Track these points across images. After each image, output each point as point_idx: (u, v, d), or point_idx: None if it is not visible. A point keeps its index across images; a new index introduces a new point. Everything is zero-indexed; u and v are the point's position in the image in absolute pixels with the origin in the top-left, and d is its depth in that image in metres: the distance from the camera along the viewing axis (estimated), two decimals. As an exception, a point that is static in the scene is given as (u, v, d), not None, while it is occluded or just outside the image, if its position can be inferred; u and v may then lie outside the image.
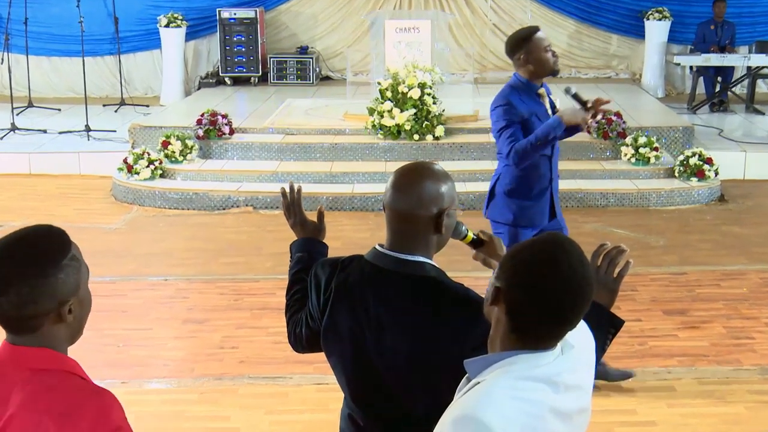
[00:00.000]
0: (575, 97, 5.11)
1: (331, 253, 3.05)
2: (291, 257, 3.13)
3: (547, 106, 5.30)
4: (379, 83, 10.64)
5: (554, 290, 2.05)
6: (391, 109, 10.37)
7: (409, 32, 11.25)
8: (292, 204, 3.16)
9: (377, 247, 2.69)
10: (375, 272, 2.66)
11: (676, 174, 10.08)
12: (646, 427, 5.20)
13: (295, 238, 3.17)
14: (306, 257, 3.06)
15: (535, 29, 5.26)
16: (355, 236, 8.20)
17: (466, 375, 2.17)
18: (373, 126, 10.51)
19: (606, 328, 2.49)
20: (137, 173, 9.95)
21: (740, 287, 7.34)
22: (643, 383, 5.67)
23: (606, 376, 5.55)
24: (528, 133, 5.08)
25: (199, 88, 14.39)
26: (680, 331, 6.55)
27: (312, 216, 3.18)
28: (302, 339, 2.92)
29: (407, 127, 10.34)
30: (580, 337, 2.24)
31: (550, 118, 5.09)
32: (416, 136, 10.37)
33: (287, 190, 3.19)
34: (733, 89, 13.52)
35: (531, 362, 2.08)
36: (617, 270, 2.55)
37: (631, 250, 2.35)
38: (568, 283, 2.06)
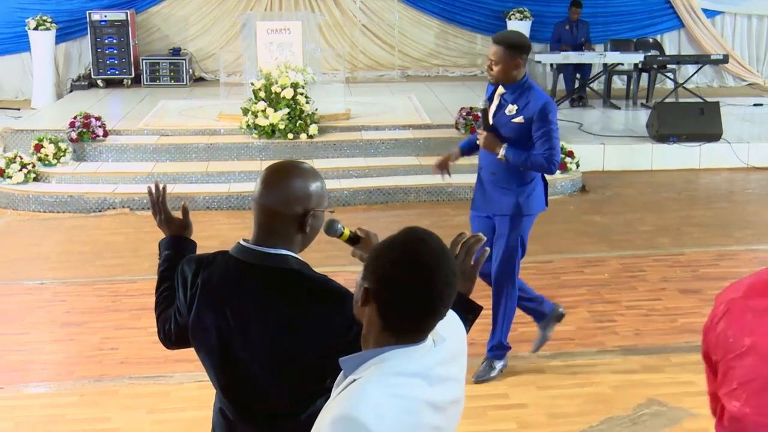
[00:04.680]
0: (483, 112, 5.39)
1: (209, 251, 3.01)
2: (159, 255, 3.15)
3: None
4: (252, 84, 10.70)
5: (421, 285, 2.10)
6: (265, 108, 10.46)
7: (281, 33, 11.31)
8: (157, 202, 3.19)
9: (241, 241, 2.70)
10: (239, 266, 2.67)
11: (541, 167, 10.41)
12: (517, 410, 5.32)
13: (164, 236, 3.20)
14: (173, 255, 3.08)
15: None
16: (231, 234, 8.05)
17: (342, 372, 2.18)
18: (248, 126, 10.57)
19: (464, 315, 2.50)
20: (10, 177, 9.84)
21: (602, 273, 7.53)
22: (513, 367, 5.80)
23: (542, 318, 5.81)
24: None
25: (71, 91, 14.16)
26: (547, 316, 6.80)
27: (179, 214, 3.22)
28: (171, 335, 2.95)
29: (281, 127, 10.43)
30: (452, 328, 2.29)
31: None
32: (290, 135, 10.45)
33: (153, 189, 3.20)
34: (590, 85, 14.05)
35: (404, 357, 2.11)
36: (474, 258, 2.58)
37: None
38: (433, 277, 2.10)
